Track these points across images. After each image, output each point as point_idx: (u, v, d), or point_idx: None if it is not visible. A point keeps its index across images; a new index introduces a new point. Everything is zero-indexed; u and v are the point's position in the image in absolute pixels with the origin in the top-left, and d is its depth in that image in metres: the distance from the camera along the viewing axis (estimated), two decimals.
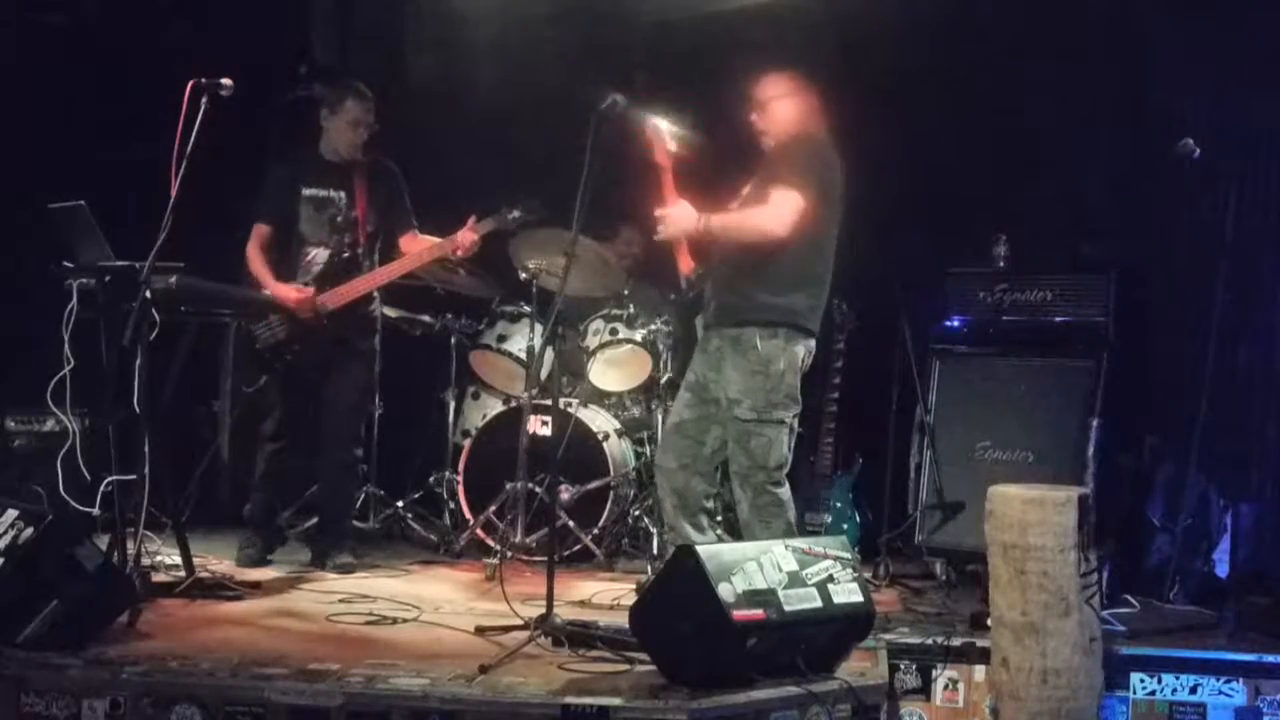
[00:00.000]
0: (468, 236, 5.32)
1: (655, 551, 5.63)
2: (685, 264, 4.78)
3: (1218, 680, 4.26)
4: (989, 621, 4.12)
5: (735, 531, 4.91)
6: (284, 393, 5.47)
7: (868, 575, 4.86)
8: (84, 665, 3.72)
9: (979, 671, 4.27)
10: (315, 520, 5.75)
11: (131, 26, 6.28)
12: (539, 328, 5.69)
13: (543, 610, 4.18)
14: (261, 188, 5.40)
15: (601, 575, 5.56)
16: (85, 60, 6.27)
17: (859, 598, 3.91)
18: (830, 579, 3.86)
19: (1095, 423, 5.23)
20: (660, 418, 5.84)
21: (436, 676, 3.68)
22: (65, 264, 4.67)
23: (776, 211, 4.52)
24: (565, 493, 5.70)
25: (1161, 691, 4.29)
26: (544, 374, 5.85)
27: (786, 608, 3.71)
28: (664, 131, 4.71)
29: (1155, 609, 4.87)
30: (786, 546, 3.88)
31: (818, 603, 3.78)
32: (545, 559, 4.42)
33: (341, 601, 4.76)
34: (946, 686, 4.30)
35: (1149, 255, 5.56)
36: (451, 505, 6.07)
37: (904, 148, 6.00)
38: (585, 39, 6.38)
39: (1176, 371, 5.31)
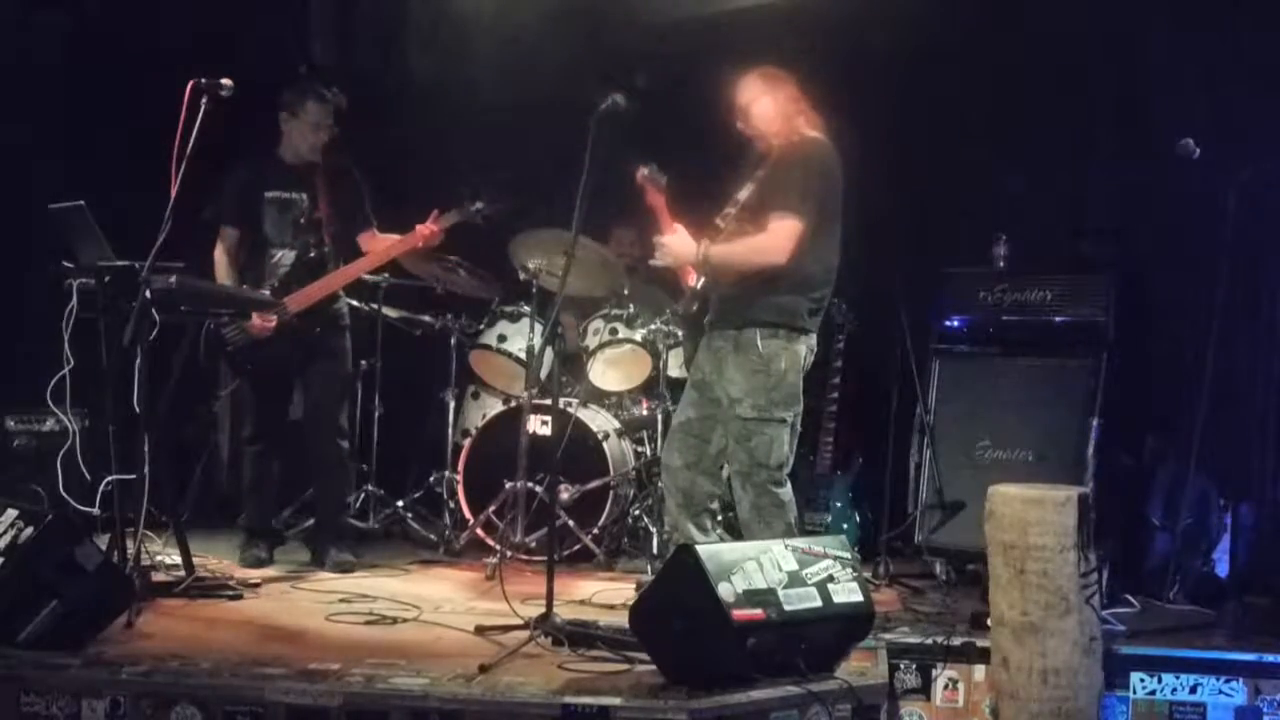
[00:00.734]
0: (428, 229, 5.37)
1: (655, 551, 5.63)
2: (688, 277, 4.80)
3: (1218, 680, 4.26)
4: (989, 621, 4.12)
5: (736, 531, 4.91)
6: (258, 395, 5.51)
7: (868, 575, 4.86)
8: (84, 665, 3.72)
9: (979, 671, 4.26)
10: (313, 520, 5.75)
11: (131, 26, 6.28)
12: (539, 328, 5.69)
13: (543, 610, 4.18)
14: (223, 192, 5.40)
15: (601, 575, 5.56)
16: (85, 60, 6.27)
17: (859, 597, 3.91)
18: (830, 579, 3.86)
19: (1095, 423, 5.23)
20: (660, 417, 5.84)
21: (436, 676, 3.69)
22: (65, 264, 4.67)
23: (775, 241, 4.52)
24: (565, 492, 5.69)
25: (1161, 691, 4.29)
26: (544, 374, 5.86)
27: (786, 607, 3.71)
28: (652, 175, 4.78)
29: (1155, 609, 4.87)
30: (786, 546, 3.88)
31: (818, 602, 3.78)
32: (545, 559, 4.43)
33: (341, 601, 4.76)
34: (946, 686, 4.30)
35: (1149, 255, 5.56)
36: (451, 505, 6.07)
37: (904, 147, 6.00)
38: (586, 39, 6.38)
39: (1176, 371, 5.31)
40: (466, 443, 6.05)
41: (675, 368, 6.02)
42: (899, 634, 4.39)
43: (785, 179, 4.57)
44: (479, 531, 5.85)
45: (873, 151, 6.06)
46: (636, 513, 5.98)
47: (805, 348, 4.65)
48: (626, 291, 6.03)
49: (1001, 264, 5.68)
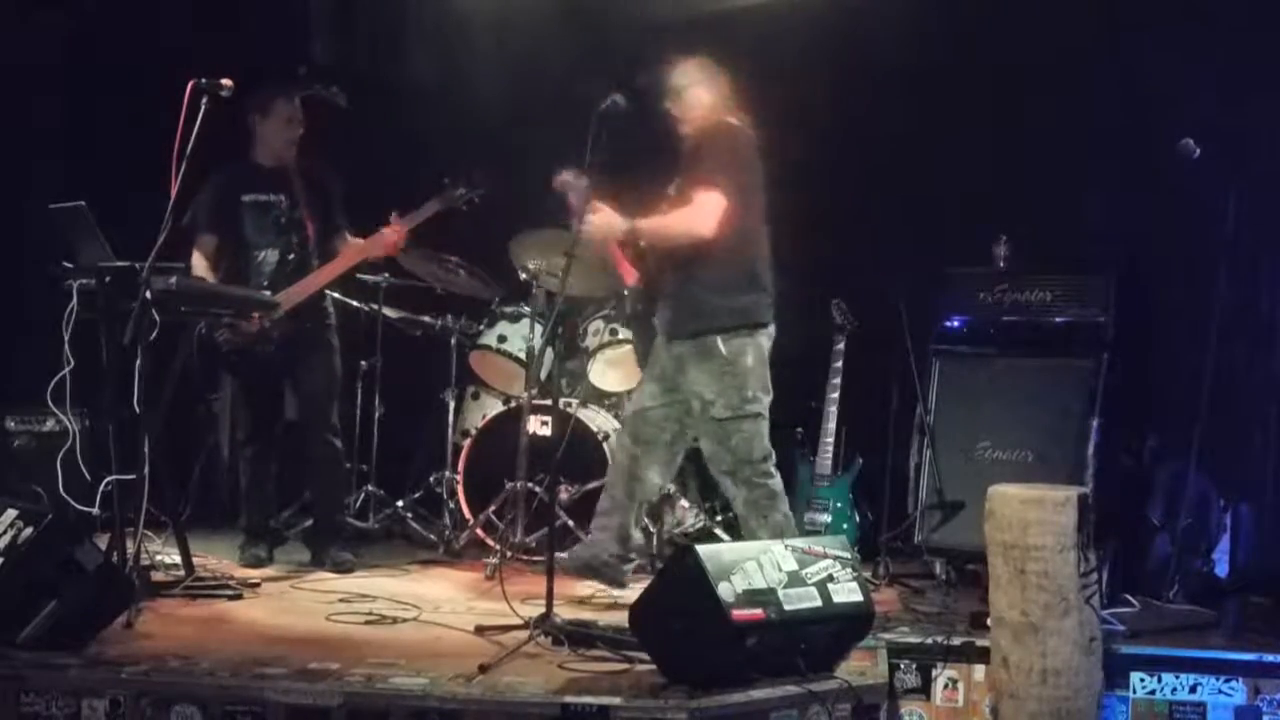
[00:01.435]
0: (395, 234, 5.41)
1: (655, 551, 5.63)
2: (627, 275, 4.83)
3: (1217, 679, 4.26)
4: (989, 621, 4.12)
5: (737, 531, 4.93)
6: (250, 395, 5.52)
7: (868, 575, 4.86)
8: (84, 665, 3.72)
9: (979, 671, 4.26)
10: (312, 520, 5.75)
11: (131, 26, 6.28)
12: (539, 328, 5.69)
13: (542, 610, 4.18)
14: (198, 200, 5.37)
15: None
16: (85, 60, 6.27)
17: (859, 597, 3.91)
18: (830, 578, 3.86)
19: (1095, 423, 5.23)
20: None
21: (436, 676, 3.69)
22: (65, 264, 4.67)
23: (700, 212, 4.59)
24: (565, 493, 5.69)
25: (1161, 691, 4.29)
26: (544, 374, 5.85)
27: (786, 607, 3.71)
28: (571, 181, 4.84)
29: (1155, 609, 4.86)
30: (786, 546, 3.88)
31: (817, 602, 3.79)
32: (545, 559, 4.43)
33: (341, 601, 4.76)
34: (946, 686, 4.30)
35: (1149, 255, 5.56)
36: (451, 505, 6.06)
37: (904, 147, 6.01)
38: (586, 39, 6.38)
39: (1176, 371, 5.30)
40: (466, 443, 6.05)
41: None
42: (899, 634, 4.39)
43: (705, 157, 4.63)
44: (479, 531, 5.85)
45: (872, 151, 6.09)
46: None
47: (766, 339, 4.74)
48: (627, 292, 6.00)
49: (1001, 264, 5.68)
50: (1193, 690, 4.27)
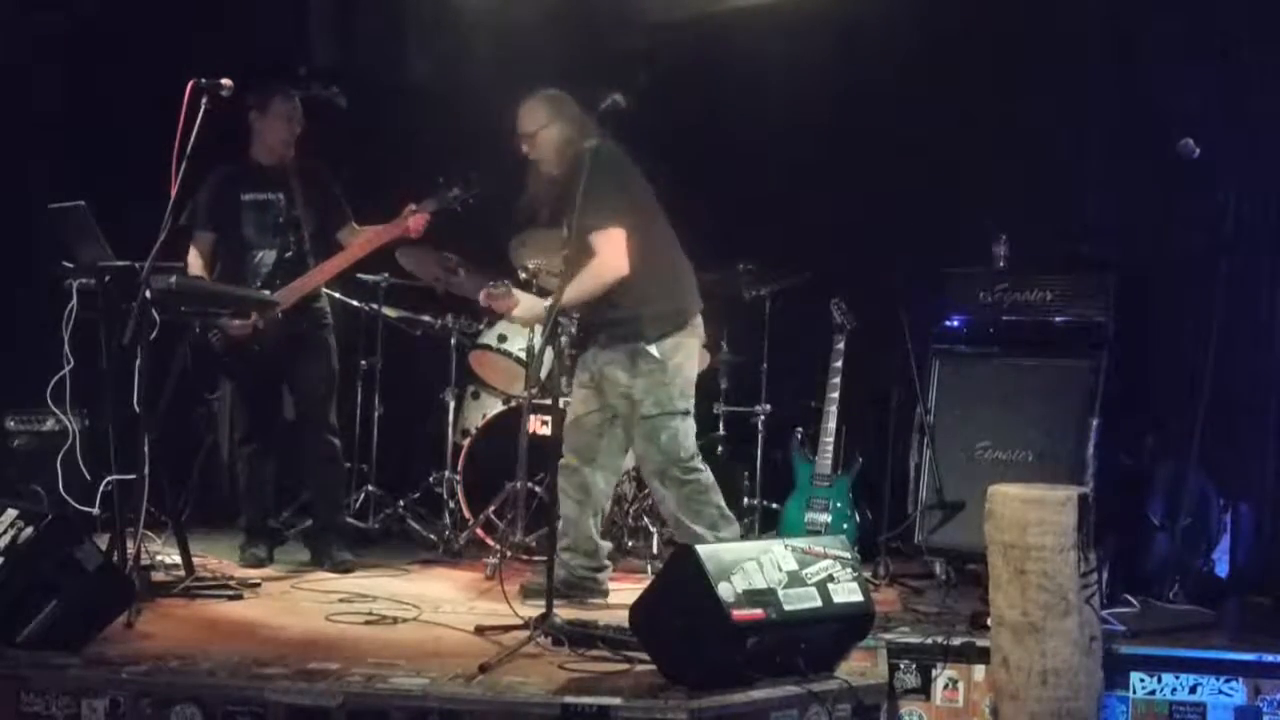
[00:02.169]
0: (420, 220, 5.38)
1: (655, 551, 5.63)
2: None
3: (1218, 680, 4.26)
4: (989, 621, 4.12)
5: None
6: (247, 395, 5.52)
7: (868, 575, 4.86)
8: (84, 665, 3.72)
9: (979, 671, 4.26)
10: (312, 520, 5.75)
11: (131, 27, 6.28)
12: (539, 328, 5.69)
13: (543, 610, 4.18)
14: (197, 197, 5.37)
15: None
16: (85, 60, 6.27)
17: (859, 597, 3.91)
18: (830, 578, 3.86)
19: (1095, 423, 5.23)
20: None
21: (436, 676, 3.69)
22: (65, 264, 4.67)
23: (608, 256, 4.62)
24: None
25: (1161, 691, 4.29)
26: (544, 374, 5.85)
27: (786, 607, 3.71)
28: (493, 292, 4.91)
29: (1155, 609, 4.87)
30: (786, 546, 3.88)
31: (817, 602, 3.79)
32: (545, 558, 4.43)
33: (341, 601, 4.76)
34: (946, 686, 4.30)
35: (1149, 255, 5.56)
36: (451, 505, 6.06)
37: (904, 147, 6.00)
38: (585, 39, 6.38)
39: (1176, 371, 5.30)
40: (466, 443, 6.05)
41: None
42: (899, 634, 4.39)
43: (587, 200, 4.52)
44: (479, 531, 5.85)
45: (872, 151, 6.09)
46: (636, 512, 5.97)
47: (696, 338, 4.81)
48: None
49: (1001, 264, 5.68)
50: (1193, 690, 4.27)
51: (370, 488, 6.29)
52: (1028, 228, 5.75)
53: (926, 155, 5.97)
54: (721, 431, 6.29)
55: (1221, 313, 4.88)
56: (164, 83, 4.73)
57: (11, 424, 5.85)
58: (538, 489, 5.61)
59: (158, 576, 4.77)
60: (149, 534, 4.65)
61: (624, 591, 4.92)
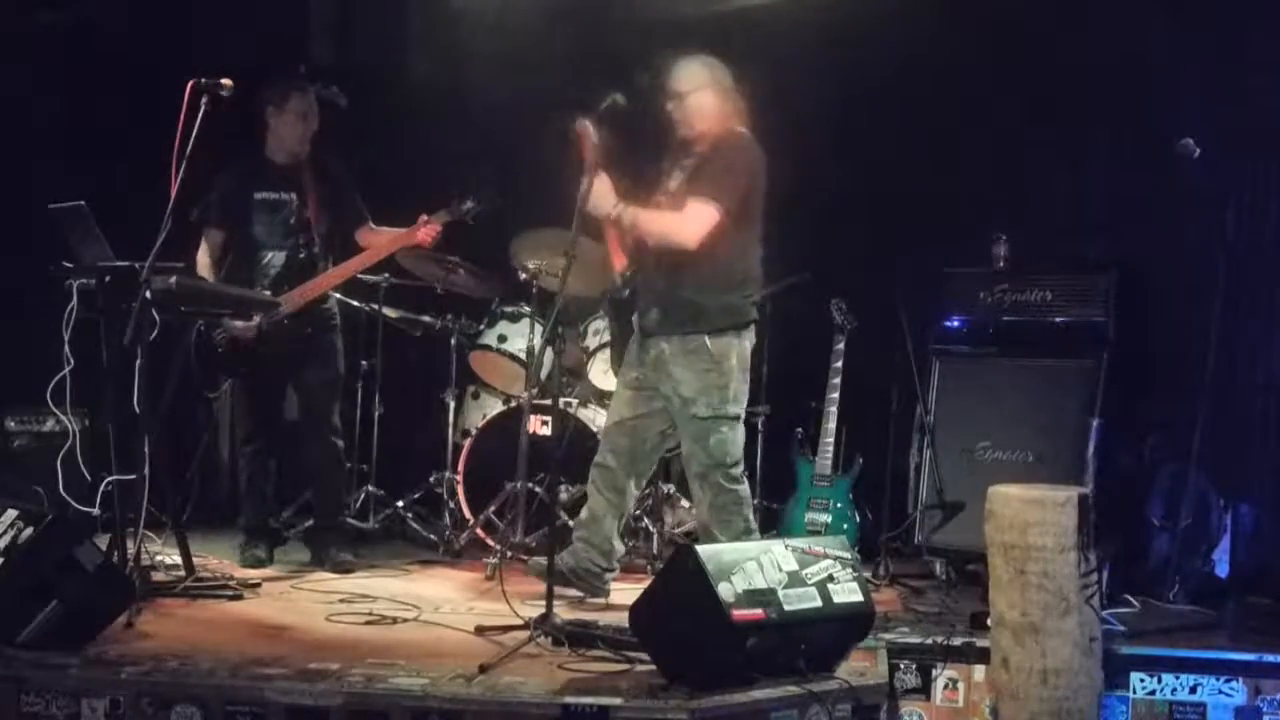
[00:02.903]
0: (431, 230, 5.36)
1: (655, 551, 5.63)
2: (618, 261, 4.82)
3: (1218, 680, 4.26)
4: (989, 621, 4.12)
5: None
6: (251, 395, 5.52)
7: (868, 575, 4.86)
8: (84, 665, 3.72)
9: (979, 671, 4.26)
10: (312, 520, 5.75)
11: (131, 27, 6.28)
12: (539, 328, 5.69)
13: (543, 610, 4.18)
14: (209, 195, 5.37)
15: None
16: (85, 60, 6.27)
17: (859, 597, 3.91)
18: (830, 579, 3.86)
19: (1095, 423, 5.23)
20: None
21: (436, 676, 3.69)
22: (65, 264, 4.67)
23: (689, 224, 4.56)
24: (565, 493, 5.69)
25: (1161, 691, 4.29)
26: (544, 374, 5.85)
27: (786, 607, 3.71)
28: (590, 130, 4.62)
29: (1155, 609, 4.87)
30: (786, 546, 3.88)
31: (818, 602, 3.79)
32: (545, 558, 4.43)
33: (341, 601, 4.76)
34: (946, 686, 4.30)
35: (1149, 255, 5.56)
36: (451, 505, 6.06)
37: (904, 147, 6.01)
38: (585, 38, 6.38)
39: (1176, 371, 5.31)
40: (466, 443, 6.05)
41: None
42: (899, 634, 4.39)
43: (711, 170, 4.59)
44: (479, 531, 5.84)
45: (872, 151, 6.09)
46: (636, 513, 5.97)
47: (749, 342, 4.75)
48: (627, 293, 5.99)
49: (1001, 264, 5.69)
50: (1193, 690, 4.27)
51: (370, 488, 6.29)
52: (1028, 228, 5.75)
53: (926, 155, 5.97)
54: None
55: (1221, 313, 4.88)
56: (164, 83, 4.73)
57: (11, 424, 5.85)
58: (538, 489, 5.61)
59: (158, 576, 4.77)
60: (149, 534, 4.65)
61: (624, 591, 4.92)
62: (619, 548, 4.97)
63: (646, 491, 5.93)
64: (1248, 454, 5.28)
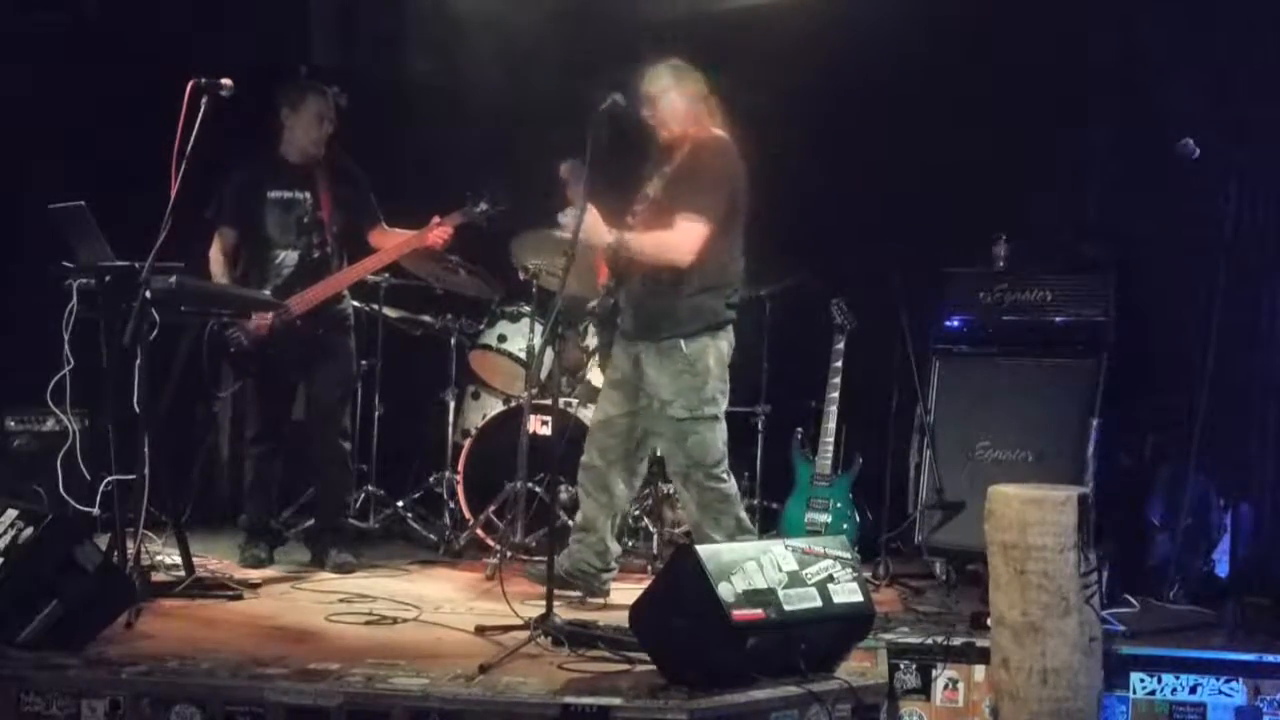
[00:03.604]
0: (444, 232, 5.36)
1: (655, 551, 5.63)
2: (603, 274, 4.84)
3: (1218, 680, 4.26)
4: (989, 621, 4.12)
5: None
6: (261, 395, 5.51)
7: (868, 575, 4.86)
8: (84, 665, 3.72)
9: (979, 671, 4.26)
10: (313, 520, 5.75)
11: (131, 26, 6.28)
12: (539, 328, 5.69)
13: (543, 610, 4.18)
14: (222, 192, 5.38)
15: None
16: (85, 60, 6.27)
17: (859, 597, 3.91)
18: (830, 579, 3.86)
19: (1095, 423, 5.23)
20: None
21: (436, 676, 3.69)
22: (65, 264, 4.67)
23: (682, 243, 4.60)
24: (565, 493, 5.69)
25: (1161, 691, 4.29)
26: (544, 374, 5.85)
27: (786, 607, 3.71)
28: (574, 169, 4.80)
29: (1155, 609, 4.88)
30: (786, 546, 3.88)
31: (818, 602, 3.79)
32: (545, 558, 4.43)
33: (341, 601, 4.76)
34: (946, 686, 4.30)
35: (1149, 255, 5.56)
36: (451, 505, 6.06)
37: (904, 147, 6.01)
38: (586, 39, 6.38)
39: (1176, 372, 5.30)
40: (466, 443, 6.05)
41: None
42: (899, 634, 4.39)
43: (693, 180, 4.61)
44: (479, 531, 5.84)
45: (872, 150, 6.09)
46: (636, 513, 5.97)
47: (726, 343, 4.76)
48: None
49: (1001, 264, 5.69)
50: (1193, 691, 4.27)
51: (370, 488, 6.29)
52: (1028, 228, 5.75)
53: (927, 155, 5.97)
54: None
55: (1221, 313, 4.88)
56: (164, 83, 4.73)
57: (11, 424, 5.85)
58: (538, 489, 5.61)
59: (158, 576, 4.78)
60: (149, 534, 4.65)
61: (624, 591, 4.92)
62: (614, 548, 4.97)
63: (646, 491, 5.93)
64: (1248, 454, 5.28)
